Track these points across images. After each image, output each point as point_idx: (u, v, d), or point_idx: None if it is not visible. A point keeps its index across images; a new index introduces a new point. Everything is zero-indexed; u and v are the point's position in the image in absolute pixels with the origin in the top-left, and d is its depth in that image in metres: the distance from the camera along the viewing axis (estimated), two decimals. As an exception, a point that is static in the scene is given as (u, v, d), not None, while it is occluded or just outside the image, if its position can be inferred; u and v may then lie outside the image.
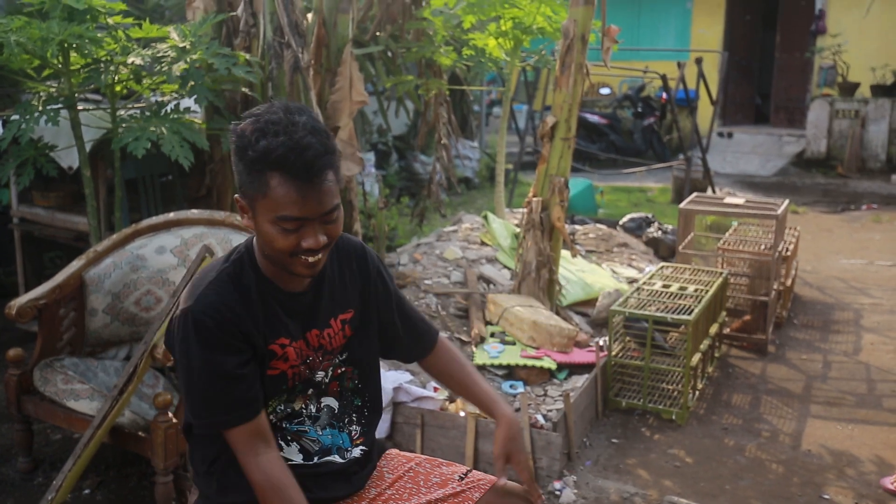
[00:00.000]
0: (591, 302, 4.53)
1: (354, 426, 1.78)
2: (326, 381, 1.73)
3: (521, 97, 11.78)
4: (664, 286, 4.10)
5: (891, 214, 8.23)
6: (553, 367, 3.62)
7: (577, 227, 6.09)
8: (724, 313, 4.37)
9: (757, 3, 13.43)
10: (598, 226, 6.15)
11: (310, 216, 1.52)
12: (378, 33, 5.20)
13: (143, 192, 4.38)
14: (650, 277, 4.28)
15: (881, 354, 4.44)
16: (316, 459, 1.72)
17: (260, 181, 1.50)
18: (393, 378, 3.24)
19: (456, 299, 4.28)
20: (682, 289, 4.05)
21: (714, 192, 7.53)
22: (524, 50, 5.58)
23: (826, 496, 3.03)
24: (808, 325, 4.95)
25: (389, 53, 5.40)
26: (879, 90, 10.91)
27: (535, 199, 4.20)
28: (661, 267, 4.50)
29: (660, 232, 6.01)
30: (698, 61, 7.40)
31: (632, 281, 4.91)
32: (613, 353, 3.78)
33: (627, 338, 3.91)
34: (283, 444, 1.68)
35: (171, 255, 3.20)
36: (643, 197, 9.11)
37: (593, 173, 9.69)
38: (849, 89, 11.11)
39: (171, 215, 3.29)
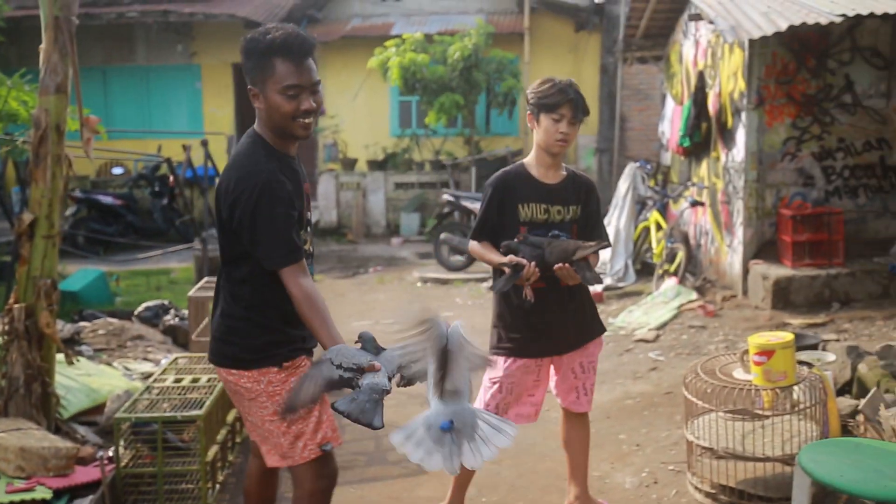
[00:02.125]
0: (99, 408, 4.16)
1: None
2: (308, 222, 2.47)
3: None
4: (176, 380, 3.95)
5: (392, 275, 9.28)
6: (49, 496, 3.20)
7: (84, 323, 5.60)
8: (242, 396, 4.37)
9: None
10: (111, 320, 5.73)
11: (304, 84, 2.26)
12: None
13: None
14: (163, 372, 4.10)
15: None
16: None
17: (268, 64, 2.24)
18: None
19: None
20: (194, 381, 3.95)
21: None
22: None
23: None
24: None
25: None
26: (374, 164, 12.35)
27: (17, 305, 3.72)
28: (175, 359, 4.34)
29: (177, 319, 5.84)
30: (204, 143, 7.49)
31: (147, 377, 4.65)
32: (123, 463, 3.49)
33: (139, 444, 3.66)
34: None
35: None
36: (165, 279, 8.82)
37: (108, 259, 9.10)
38: (349, 164, 12.36)
39: None
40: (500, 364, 3.04)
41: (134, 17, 12.43)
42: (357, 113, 12.96)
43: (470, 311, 7.40)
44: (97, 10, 12.04)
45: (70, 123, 4.02)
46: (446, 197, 9.50)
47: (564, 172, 3.08)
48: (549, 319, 3.00)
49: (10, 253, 7.32)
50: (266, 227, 2.24)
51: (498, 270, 3.00)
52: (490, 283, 8.31)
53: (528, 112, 3.02)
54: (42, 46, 3.81)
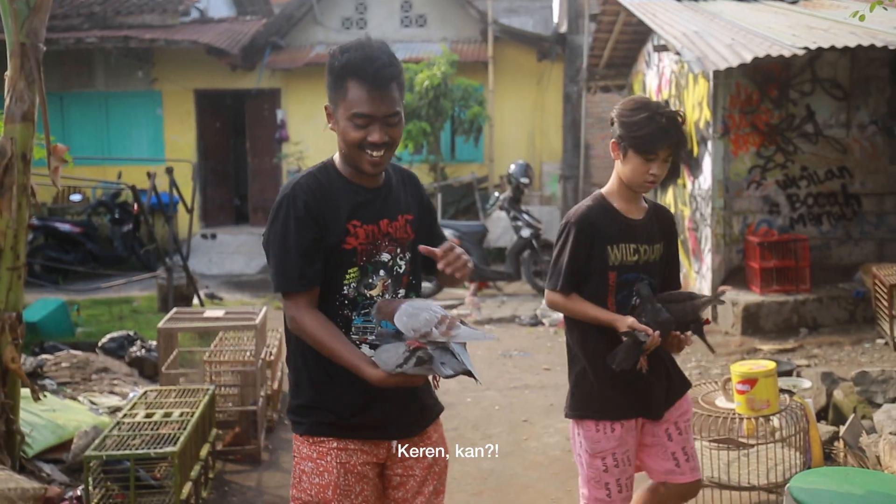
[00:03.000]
0: (66, 445, 4.01)
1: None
2: (390, 264, 2.07)
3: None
4: (147, 415, 3.82)
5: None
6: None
7: (47, 356, 5.42)
8: (214, 430, 4.25)
9: (225, 112, 14.10)
10: (74, 352, 5.55)
11: (376, 115, 1.97)
12: None
13: None
14: (132, 407, 3.97)
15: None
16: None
17: (342, 86, 1.99)
18: None
19: None
20: (166, 415, 3.82)
21: (200, 298, 7.48)
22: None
23: None
24: (298, 423, 5.12)
25: None
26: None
27: (-20, 340, 3.57)
28: (145, 392, 4.21)
29: (143, 350, 5.68)
30: (169, 171, 7.37)
31: (114, 410, 4.51)
32: (93, 503, 3.35)
33: (109, 482, 3.52)
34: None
35: None
36: (128, 308, 8.60)
37: (67, 288, 8.86)
38: (314, 191, 12.25)
39: None
40: (603, 434, 2.53)
41: (93, 43, 12.23)
42: (321, 139, 12.89)
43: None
44: (55, 35, 11.81)
45: (35, 151, 3.91)
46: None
47: (646, 204, 2.61)
48: (642, 379, 2.53)
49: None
50: (275, 242, 2.00)
51: (590, 329, 2.53)
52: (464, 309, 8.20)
53: (613, 140, 2.51)
54: (7, 73, 3.71)
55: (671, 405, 2.60)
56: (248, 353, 4.70)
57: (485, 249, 9.45)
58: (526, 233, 9.01)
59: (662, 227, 2.61)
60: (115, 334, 5.96)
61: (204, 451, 3.96)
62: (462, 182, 11.89)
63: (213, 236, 12.66)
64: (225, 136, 14.20)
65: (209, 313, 4.98)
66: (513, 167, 9.42)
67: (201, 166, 12.93)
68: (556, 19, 13.99)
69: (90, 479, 3.35)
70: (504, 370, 6.17)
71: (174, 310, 5.07)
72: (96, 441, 3.52)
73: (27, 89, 3.72)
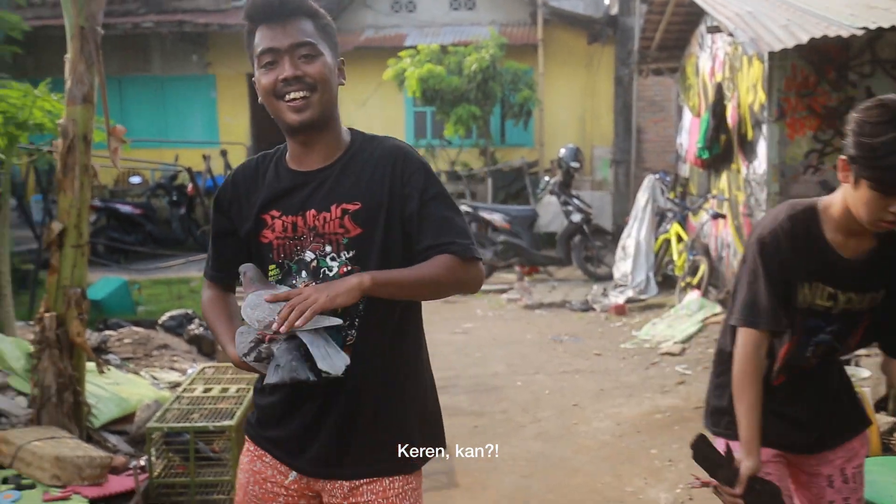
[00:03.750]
0: (129, 418, 4.17)
1: (351, 330, 1.67)
2: (313, 265, 1.68)
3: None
4: (205, 390, 3.95)
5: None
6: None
7: (110, 332, 5.62)
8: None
9: (278, 95, 14.28)
10: (136, 328, 5.75)
11: (280, 46, 1.65)
12: None
13: None
14: (191, 382, 4.10)
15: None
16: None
17: (251, 39, 1.71)
18: None
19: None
20: (223, 391, 3.95)
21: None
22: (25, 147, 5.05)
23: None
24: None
25: None
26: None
27: (47, 314, 3.74)
28: (202, 369, 4.35)
29: (201, 328, 5.84)
30: (223, 153, 7.52)
31: (174, 386, 4.66)
32: (156, 473, 3.49)
33: (170, 453, 3.66)
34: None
35: None
36: (186, 288, 8.83)
37: (129, 268, 9.13)
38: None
39: None
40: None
41: (149, 28, 12.51)
42: (371, 123, 12.99)
43: (490, 322, 7.40)
44: (113, 21, 12.11)
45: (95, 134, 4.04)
46: (464, 208, 9.52)
47: (875, 240, 1.91)
48: (801, 407, 2.03)
49: (33, 261, 7.37)
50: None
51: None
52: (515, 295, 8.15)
53: (843, 159, 1.82)
54: (67, 56, 3.83)
55: (839, 443, 2.06)
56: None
57: (535, 234, 9.44)
58: (577, 217, 8.98)
59: (889, 269, 1.93)
60: (174, 312, 6.15)
61: (259, 426, 4.08)
62: (512, 166, 11.87)
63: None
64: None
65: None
66: (563, 151, 9.38)
67: (254, 148, 13.14)
68: (606, 1, 13.81)
69: (152, 451, 3.49)
70: (554, 355, 6.19)
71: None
72: (158, 414, 3.66)
73: (87, 72, 3.83)
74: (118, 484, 3.41)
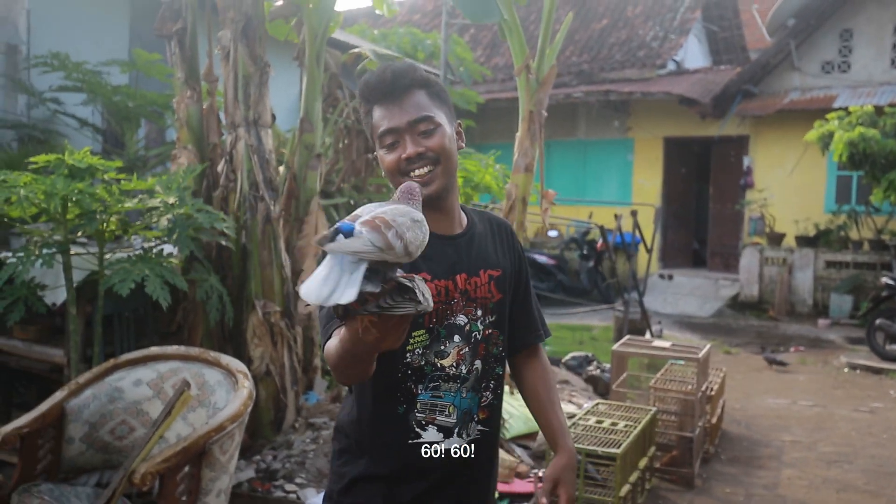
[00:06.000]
0: (532, 435, 4.88)
1: (488, 392, 1.75)
2: (467, 329, 1.70)
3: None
4: (597, 422, 4.49)
5: (815, 357, 8.82)
6: (495, 495, 3.93)
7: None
8: (653, 448, 4.75)
9: (691, 158, 14.61)
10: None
11: (397, 126, 1.67)
12: (343, 184, 5.75)
13: (117, 327, 4.69)
14: (585, 413, 4.67)
15: (797, 489, 4.83)
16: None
17: (369, 118, 1.73)
18: None
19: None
20: (613, 424, 4.44)
21: (651, 332, 8.06)
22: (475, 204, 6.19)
23: None
24: (733, 459, 5.34)
25: (352, 202, 5.94)
26: (803, 241, 11.84)
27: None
28: (597, 403, 4.90)
29: (598, 370, 6.44)
30: (633, 213, 8.12)
31: (570, 416, 5.29)
32: (620, 491, 4.09)
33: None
34: (419, 415, 1.67)
35: (146, 387, 3.50)
36: (587, 335, 9.61)
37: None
38: (776, 239, 12.03)
39: (149, 350, 3.62)
40: None
41: (579, 98, 13.83)
42: (788, 187, 12.59)
43: (904, 406, 6.77)
44: (550, 92, 13.67)
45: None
46: (886, 280, 8.78)
47: None
48: None
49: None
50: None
51: None
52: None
53: None
54: (518, 134, 4.74)
55: None
56: (690, 386, 5.10)
57: None
58: None
59: None
60: (576, 354, 6.86)
61: (642, 463, 4.48)
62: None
63: (670, 277, 13.21)
64: (689, 182, 14.71)
65: (657, 343, 5.51)
66: None
67: (664, 210, 13.62)
68: None
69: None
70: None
71: (627, 336, 5.72)
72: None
73: (531, 146, 4.71)
74: (520, 486, 4.09)
